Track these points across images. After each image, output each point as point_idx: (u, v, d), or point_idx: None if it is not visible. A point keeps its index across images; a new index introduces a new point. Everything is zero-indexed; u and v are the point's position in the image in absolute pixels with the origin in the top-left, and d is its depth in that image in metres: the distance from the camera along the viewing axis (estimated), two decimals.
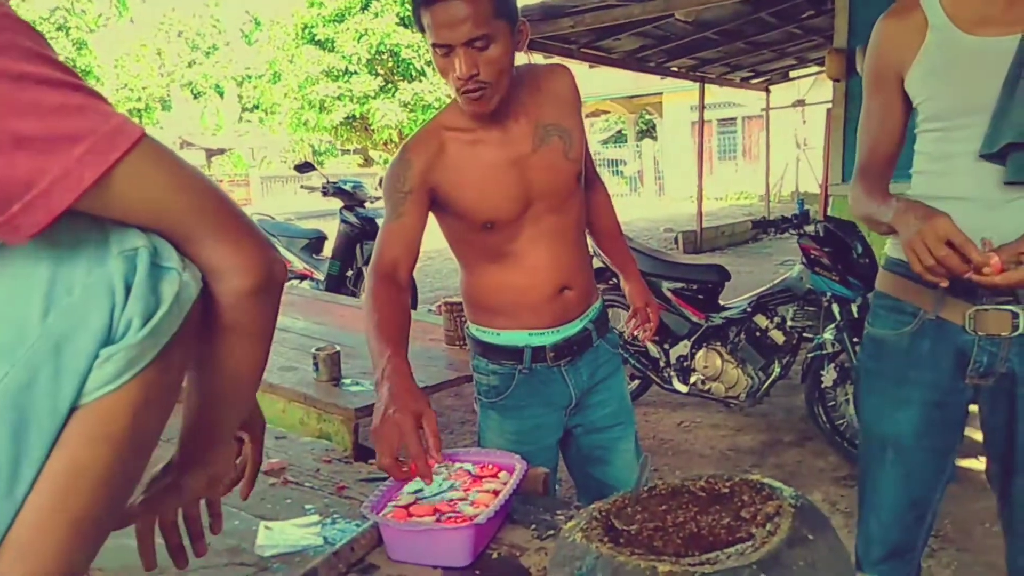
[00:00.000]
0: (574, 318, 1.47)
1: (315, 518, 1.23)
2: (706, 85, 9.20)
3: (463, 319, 2.36)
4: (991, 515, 2.45)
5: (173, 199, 0.65)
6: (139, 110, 22.99)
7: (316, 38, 15.73)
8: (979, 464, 2.72)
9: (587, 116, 20.25)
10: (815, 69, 9.26)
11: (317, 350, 2.01)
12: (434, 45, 1.22)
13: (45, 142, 0.57)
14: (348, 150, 22.98)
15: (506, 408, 1.48)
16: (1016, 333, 1.21)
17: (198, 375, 0.77)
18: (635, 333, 1.71)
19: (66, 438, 0.61)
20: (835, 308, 2.97)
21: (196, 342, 0.71)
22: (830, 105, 5.90)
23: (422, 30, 1.26)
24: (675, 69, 8.30)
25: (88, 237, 0.62)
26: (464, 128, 1.34)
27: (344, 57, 15.45)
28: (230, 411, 0.82)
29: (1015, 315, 1.21)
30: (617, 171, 21.24)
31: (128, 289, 0.62)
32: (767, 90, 10.66)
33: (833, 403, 3.01)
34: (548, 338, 1.44)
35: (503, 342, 1.45)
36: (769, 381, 3.25)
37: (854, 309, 2.95)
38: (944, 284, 1.12)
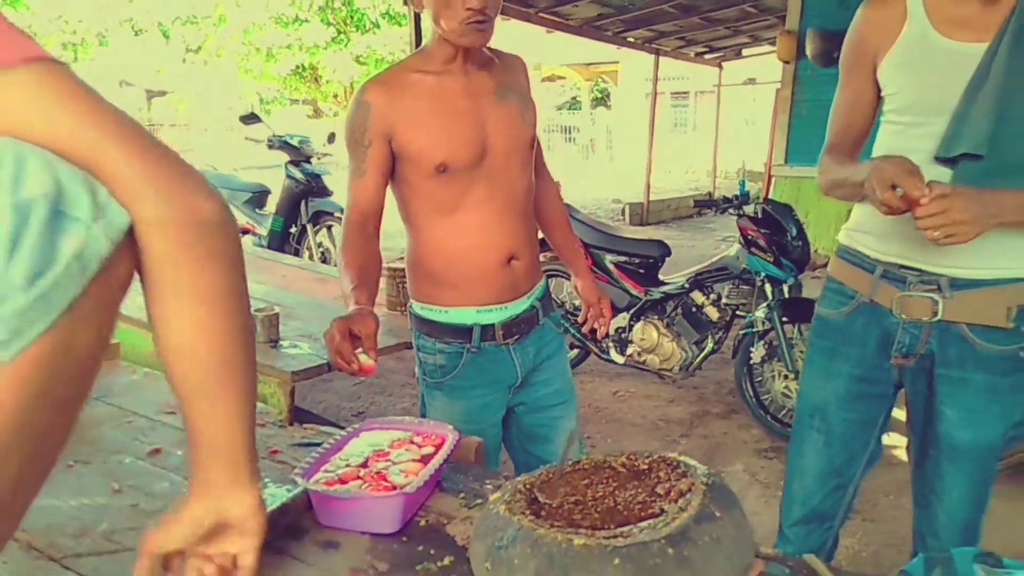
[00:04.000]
0: (522, 294, 1.48)
1: None
2: (661, 58, 9.24)
3: (405, 285, 2.37)
4: (895, 487, 2.62)
5: (73, 117, 0.59)
6: (74, 44, 21.71)
7: None
8: (888, 439, 2.90)
9: (543, 80, 20.11)
10: (767, 48, 9.38)
11: (256, 311, 1.98)
12: None
13: None
14: (297, 100, 22.28)
15: (453, 388, 1.48)
16: (936, 318, 1.31)
17: (160, 360, 0.69)
18: (594, 327, 1.73)
19: None
20: (768, 288, 3.08)
21: (112, 309, 0.63)
22: (779, 85, 6.01)
23: None
24: (631, 40, 8.31)
25: None
26: (430, 71, 1.38)
27: (294, 3, 14.88)
28: (204, 408, 0.70)
29: (935, 302, 1.30)
30: (570, 138, 21.21)
31: (14, 246, 0.54)
32: (720, 66, 10.77)
33: (760, 379, 3.14)
34: (496, 315, 1.45)
35: (451, 320, 1.45)
36: (702, 355, 3.36)
37: (785, 289, 3.07)
38: (901, 209, 1.14)
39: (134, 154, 0.61)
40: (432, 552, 1.00)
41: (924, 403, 1.40)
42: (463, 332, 1.45)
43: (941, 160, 1.25)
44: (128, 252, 0.62)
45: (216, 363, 0.69)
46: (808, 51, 5.29)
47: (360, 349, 1.23)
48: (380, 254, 1.42)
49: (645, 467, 0.97)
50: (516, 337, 1.48)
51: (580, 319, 1.77)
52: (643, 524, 0.82)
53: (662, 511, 0.86)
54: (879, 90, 1.37)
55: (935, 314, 1.30)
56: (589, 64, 18.27)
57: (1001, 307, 1.28)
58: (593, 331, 3.69)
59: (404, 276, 2.35)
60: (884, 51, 1.32)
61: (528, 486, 0.94)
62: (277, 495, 1.17)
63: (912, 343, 1.35)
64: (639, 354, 3.45)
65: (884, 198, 1.12)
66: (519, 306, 1.48)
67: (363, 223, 1.40)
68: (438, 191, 1.38)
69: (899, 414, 1.53)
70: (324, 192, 5.04)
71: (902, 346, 1.36)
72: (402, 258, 2.45)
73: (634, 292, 3.47)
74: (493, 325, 1.45)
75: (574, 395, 1.65)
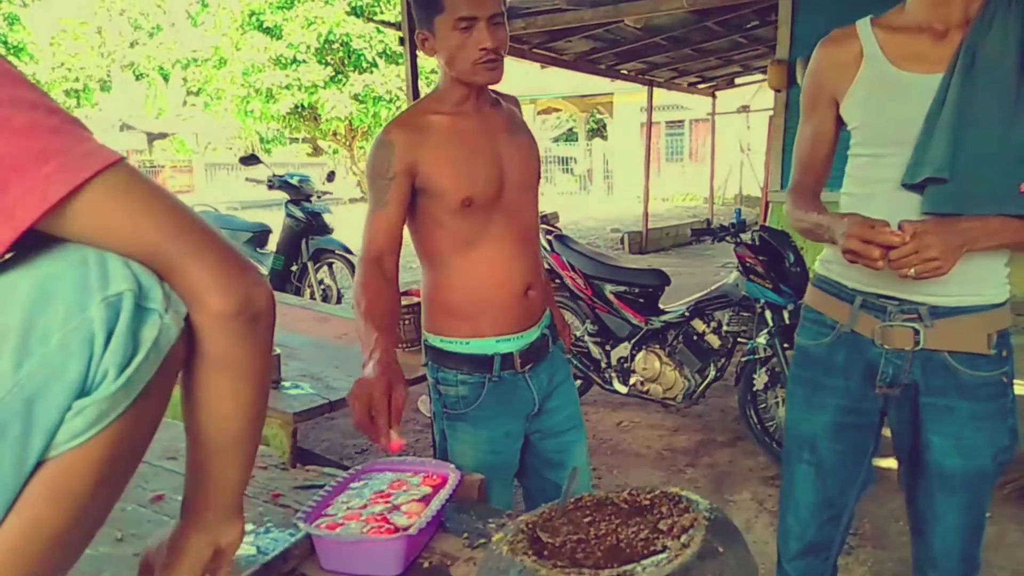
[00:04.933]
0: (534, 323, 1.52)
1: (248, 527, 1.23)
2: (655, 88, 9.36)
3: (408, 322, 2.38)
4: (903, 513, 2.59)
5: (149, 223, 0.63)
6: (77, 91, 22.02)
7: (264, 24, 15.39)
8: (893, 463, 2.88)
9: (539, 113, 20.35)
10: (759, 77, 9.51)
11: None
12: (460, 18, 1.32)
13: (14, 159, 0.56)
14: (296, 138, 22.53)
15: (477, 419, 1.50)
16: (918, 348, 1.31)
17: (187, 421, 0.75)
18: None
19: (28, 494, 0.58)
20: (768, 314, 3.08)
21: (170, 388, 0.68)
22: (772, 113, 6.07)
23: (439, 9, 1.33)
24: (625, 72, 8.43)
25: (68, 280, 0.60)
26: (446, 112, 1.43)
27: (292, 45, 15.15)
28: (224, 463, 0.77)
29: (916, 331, 1.30)
30: (568, 169, 21.40)
31: (109, 337, 0.59)
32: (713, 95, 10.90)
33: (764, 405, 3.12)
34: (514, 344, 1.49)
35: (472, 351, 1.48)
36: (705, 383, 3.35)
37: (785, 315, 3.07)
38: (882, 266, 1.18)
39: (201, 252, 0.66)
40: None
41: (910, 432, 1.39)
42: (484, 363, 1.48)
43: (907, 186, 1.27)
44: (184, 336, 0.67)
45: (244, 425, 0.76)
46: (799, 79, 5.35)
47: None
48: (398, 298, 1.42)
49: (647, 503, 0.97)
50: (531, 365, 1.52)
51: None
52: (646, 562, 0.82)
53: (665, 548, 0.86)
54: (839, 126, 1.40)
55: (917, 343, 1.31)
56: (584, 96, 18.51)
57: (981, 334, 1.28)
58: (596, 361, 3.70)
59: (409, 312, 2.38)
60: (844, 88, 1.35)
61: (531, 525, 0.94)
62: (280, 540, 1.17)
63: (896, 373, 1.34)
64: (642, 384, 3.44)
65: (876, 256, 1.15)
66: (532, 334, 1.52)
67: (379, 260, 1.39)
68: (462, 226, 1.42)
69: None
70: (325, 230, 5.08)
71: (886, 376, 1.35)
72: (405, 292, 2.46)
73: (635, 322, 3.47)
74: (512, 354, 1.48)
75: (582, 421, 1.67)
